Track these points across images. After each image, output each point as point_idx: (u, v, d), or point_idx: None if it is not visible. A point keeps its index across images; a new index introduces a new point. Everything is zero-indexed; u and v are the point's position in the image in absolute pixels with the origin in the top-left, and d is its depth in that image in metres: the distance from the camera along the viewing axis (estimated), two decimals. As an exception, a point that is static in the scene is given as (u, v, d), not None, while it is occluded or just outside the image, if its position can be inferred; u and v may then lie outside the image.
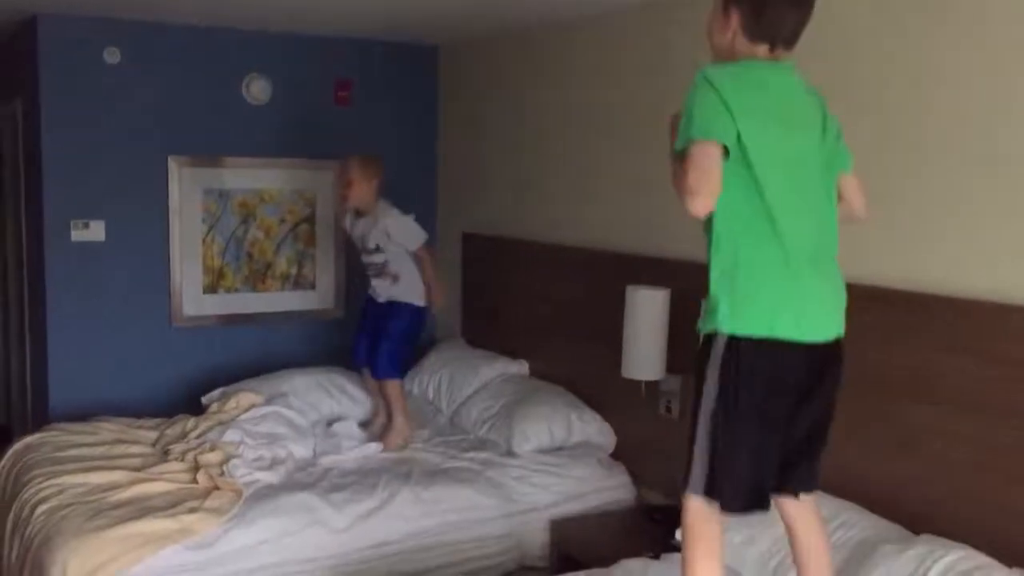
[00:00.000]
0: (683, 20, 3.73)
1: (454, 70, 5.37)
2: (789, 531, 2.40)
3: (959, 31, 2.78)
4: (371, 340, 4.25)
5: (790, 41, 2.23)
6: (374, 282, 4.27)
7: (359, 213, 4.23)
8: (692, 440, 2.23)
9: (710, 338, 2.19)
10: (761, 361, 2.14)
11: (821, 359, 2.22)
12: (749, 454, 2.18)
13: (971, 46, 2.75)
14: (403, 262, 4.18)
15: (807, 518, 2.37)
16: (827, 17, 3.16)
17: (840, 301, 2.27)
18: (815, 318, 2.18)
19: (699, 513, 2.23)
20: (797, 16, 2.21)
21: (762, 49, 2.22)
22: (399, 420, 4.15)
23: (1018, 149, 2.64)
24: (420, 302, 4.21)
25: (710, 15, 2.31)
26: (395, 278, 4.18)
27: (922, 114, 2.88)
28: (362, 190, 4.14)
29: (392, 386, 4.18)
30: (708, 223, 2.21)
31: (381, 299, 4.24)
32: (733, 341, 2.14)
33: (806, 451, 2.30)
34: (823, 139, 2.27)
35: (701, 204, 2.01)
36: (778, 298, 2.13)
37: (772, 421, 2.19)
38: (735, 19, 2.22)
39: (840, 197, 2.34)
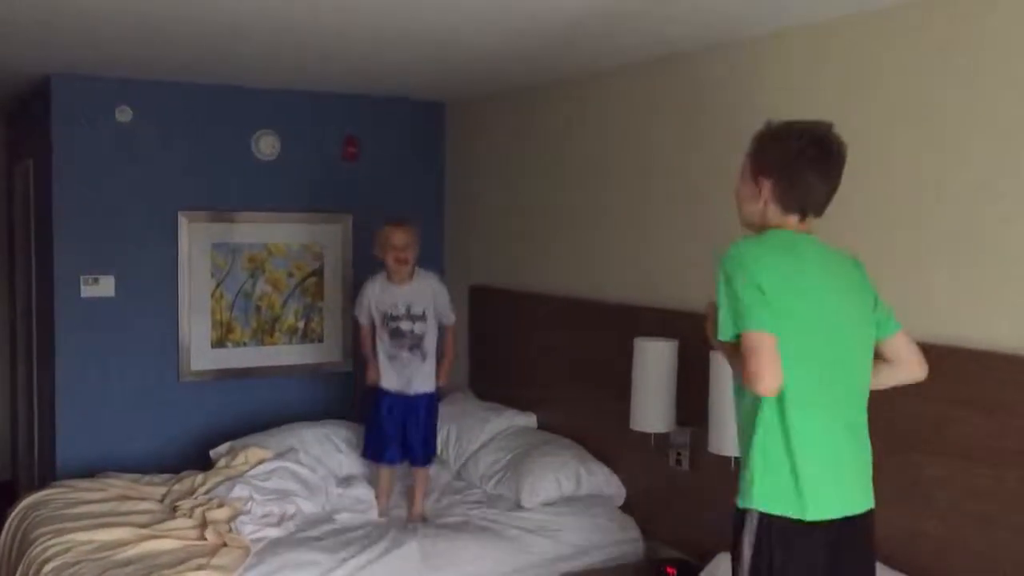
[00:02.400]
0: (685, 75, 3.78)
1: (460, 126, 5.43)
2: None
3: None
4: (402, 437, 4.10)
5: (820, 210, 2.29)
6: (405, 359, 4.05)
7: (391, 280, 4.08)
8: None
9: (743, 513, 2.24)
10: (792, 540, 2.18)
11: (852, 532, 2.25)
12: None
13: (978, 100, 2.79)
14: (433, 337, 4.10)
15: None
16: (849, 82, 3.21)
17: (867, 473, 2.31)
18: (843, 498, 2.23)
19: None
20: (828, 186, 2.26)
21: (793, 219, 2.27)
22: (425, 504, 4.11)
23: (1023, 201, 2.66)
24: (434, 387, 4.17)
25: (739, 182, 2.35)
26: (424, 355, 4.07)
27: (933, 165, 2.91)
28: (417, 254, 4.07)
29: (428, 471, 4.18)
30: (738, 399, 2.29)
31: (410, 392, 4.07)
32: (764, 519, 2.19)
33: None
34: (866, 302, 2.33)
35: (769, 388, 2.11)
36: (808, 481, 2.17)
37: None
38: (766, 189, 2.27)
39: (890, 359, 2.39)
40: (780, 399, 2.17)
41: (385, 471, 4.15)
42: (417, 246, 4.08)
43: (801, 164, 2.23)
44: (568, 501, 4.01)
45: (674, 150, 3.84)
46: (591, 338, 4.29)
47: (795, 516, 2.17)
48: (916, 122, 2.93)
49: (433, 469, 4.29)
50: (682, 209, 3.80)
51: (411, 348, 4.06)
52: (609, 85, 4.22)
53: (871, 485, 2.32)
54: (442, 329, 4.17)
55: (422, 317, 4.06)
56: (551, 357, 4.59)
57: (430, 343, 4.09)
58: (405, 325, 4.05)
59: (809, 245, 2.26)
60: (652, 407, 3.64)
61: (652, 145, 3.96)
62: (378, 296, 4.10)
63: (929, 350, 2.83)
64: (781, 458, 2.18)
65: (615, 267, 4.21)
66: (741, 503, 2.24)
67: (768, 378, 2.09)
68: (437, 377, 4.14)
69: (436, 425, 4.21)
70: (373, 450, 4.15)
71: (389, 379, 4.09)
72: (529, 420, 4.66)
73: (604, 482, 4.07)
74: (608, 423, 4.07)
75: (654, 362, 3.62)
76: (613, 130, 4.20)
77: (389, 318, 4.07)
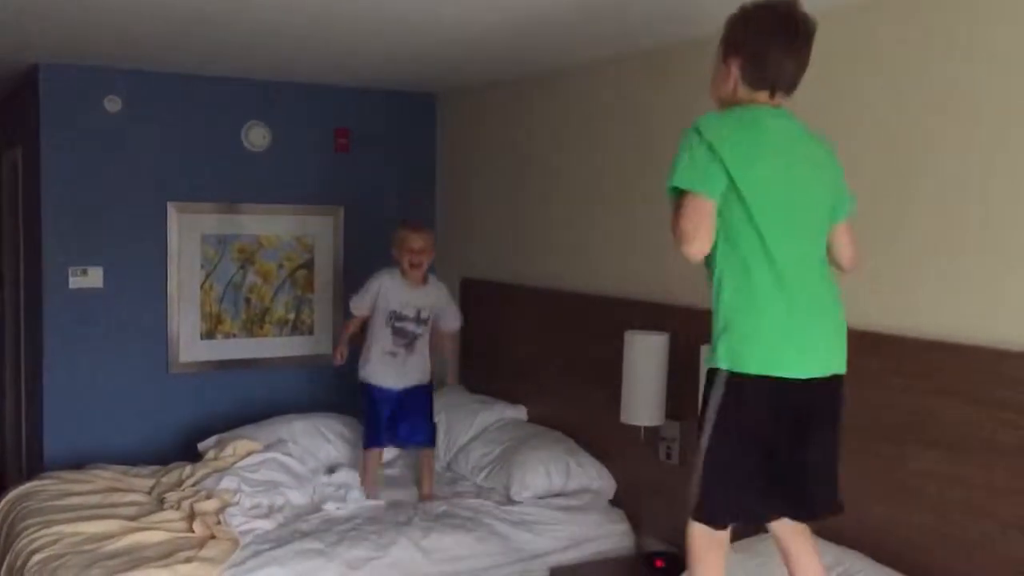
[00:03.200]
0: (677, 70, 3.78)
1: (451, 118, 5.42)
2: (784, 556, 2.44)
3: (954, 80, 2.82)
4: (395, 422, 4.15)
5: (790, 87, 2.30)
6: (400, 356, 4.10)
7: (406, 280, 4.09)
8: (692, 468, 2.31)
9: (713, 373, 2.27)
10: (757, 397, 2.21)
11: (818, 395, 2.27)
12: (739, 480, 2.25)
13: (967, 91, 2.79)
14: (427, 337, 4.19)
15: (800, 543, 2.41)
16: (826, 64, 3.21)
17: (839, 339, 2.31)
18: (811, 356, 2.24)
19: (701, 537, 2.31)
20: (795, 63, 2.27)
21: (762, 96, 2.29)
22: (433, 483, 4.18)
23: (1013, 197, 2.66)
24: (427, 379, 4.23)
25: (713, 67, 2.38)
26: (416, 351, 4.14)
27: (921, 160, 2.91)
28: (431, 259, 4.14)
29: (433, 451, 4.25)
30: (709, 262, 2.29)
31: (398, 387, 4.11)
32: (732, 378, 2.21)
33: (805, 481, 2.33)
34: (829, 178, 2.33)
35: (696, 251, 2.15)
36: (774, 338, 2.20)
37: (766, 452, 2.26)
38: (735, 69, 2.29)
39: (829, 246, 2.39)
40: (741, 262, 2.20)
41: (374, 455, 4.17)
42: (432, 252, 4.14)
43: (766, 41, 2.25)
44: (558, 494, 4.00)
45: (667, 143, 3.81)
46: (582, 331, 4.28)
47: (758, 372, 2.19)
48: (904, 115, 2.93)
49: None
50: (674, 202, 3.79)
51: (407, 347, 4.13)
52: (601, 77, 4.21)
53: (842, 350, 2.31)
54: (443, 334, 4.30)
55: (427, 321, 4.15)
56: (542, 350, 4.59)
57: (423, 342, 4.18)
58: (410, 327, 4.11)
59: (772, 117, 2.27)
60: (642, 400, 3.63)
61: (645, 138, 3.96)
62: (389, 291, 4.10)
63: (917, 344, 2.85)
64: (745, 319, 2.20)
65: (607, 260, 4.20)
66: (708, 363, 2.28)
67: (697, 241, 2.14)
68: (436, 372, 4.26)
69: (433, 408, 4.27)
70: (370, 437, 4.16)
71: (384, 375, 4.12)
72: (519, 413, 4.65)
73: (594, 475, 4.07)
74: (598, 416, 4.07)
75: (645, 356, 3.62)
76: (606, 122, 4.19)
77: (396, 316, 4.09)
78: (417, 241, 4.07)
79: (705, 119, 2.22)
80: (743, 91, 2.29)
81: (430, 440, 4.22)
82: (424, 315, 4.13)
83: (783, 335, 2.19)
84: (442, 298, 4.23)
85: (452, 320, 4.29)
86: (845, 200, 2.39)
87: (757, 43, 2.25)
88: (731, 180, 2.16)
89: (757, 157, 2.19)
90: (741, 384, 2.20)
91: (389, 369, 4.12)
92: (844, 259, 2.43)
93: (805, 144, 2.31)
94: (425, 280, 4.15)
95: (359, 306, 4.16)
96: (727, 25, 2.33)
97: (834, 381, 2.29)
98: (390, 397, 4.13)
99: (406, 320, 4.10)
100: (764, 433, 2.23)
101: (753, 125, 2.23)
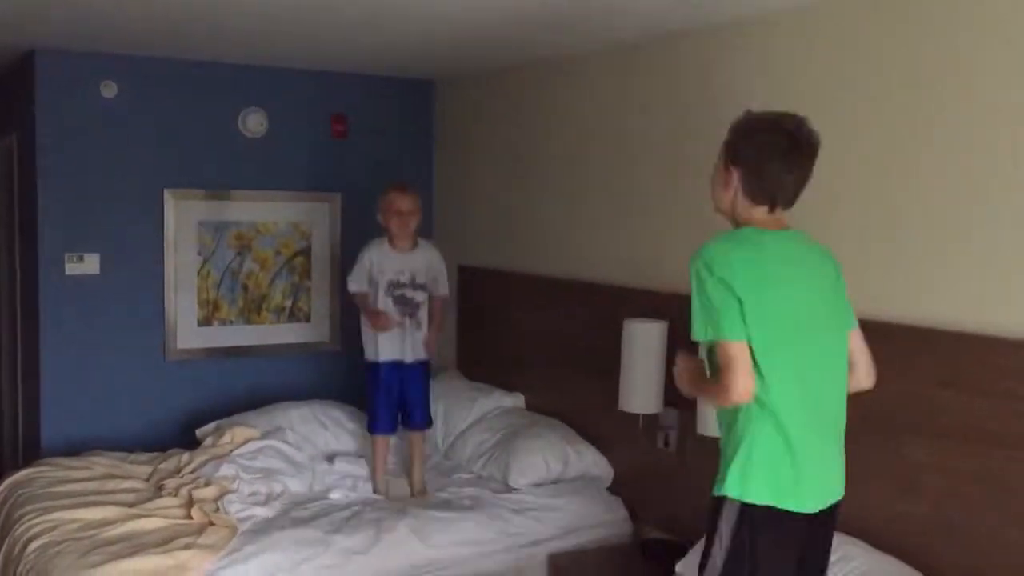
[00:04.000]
0: (673, 59, 3.76)
1: (449, 105, 5.40)
2: None
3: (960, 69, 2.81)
4: (398, 407, 4.12)
5: (789, 201, 2.31)
6: (405, 326, 4.03)
7: (395, 246, 4.06)
8: None
9: (721, 500, 2.26)
10: (768, 528, 2.22)
11: (820, 523, 2.31)
12: None
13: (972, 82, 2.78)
14: (426, 307, 4.11)
15: None
16: (835, 43, 3.20)
17: (840, 467, 2.35)
18: (817, 490, 2.27)
19: None
20: (796, 178, 2.27)
21: (761, 210, 2.29)
22: (423, 471, 4.15)
23: (1017, 185, 2.65)
24: (427, 355, 4.18)
25: (714, 170, 2.39)
26: (420, 324, 4.08)
27: (924, 147, 2.90)
28: (419, 221, 4.10)
29: (424, 435, 4.22)
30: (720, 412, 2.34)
31: (403, 359, 4.05)
32: (744, 508, 2.22)
33: None
34: (835, 295, 2.35)
35: (739, 399, 2.17)
36: (784, 473, 2.21)
37: None
38: (736, 178, 2.30)
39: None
40: (762, 392, 2.20)
41: (382, 443, 4.13)
42: (419, 213, 4.10)
43: (770, 157, 2.25)
44: (556, 482, 4.01)
45: (665, 131, 3.82)
46: (580, 319, 4.28)
47: (777, 506, 2.21)
48: (902, 108, 2.92)
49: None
50: (673, 191, 3.79)
51: (411, 316, 4.06)
52: (599, 65, 4.19)
53: (842, 476, 2.37)
54: (432, 299, 4.15)
55: (424, 286, 4.08)
56: (540, 338, 4.59)
57: (424, 312, 4.10)
58: (409, 293, 4.05)
59: (777, 242, 2.29)
60: (641, 388, 3.64)
61: (642, 126, 3.94)
62: (380, 262, 4.05)
63: (918, 332, 2.85)
64: (764, 450, 2.21)
65: (605, 248, 4.20)
66: (719, 491, 2.27)
67: (738, 391, 2.14)
68: (429, 350, 4.15)
69: (430, 390, 4.23)
70: (378, 422, 4.12)
71: (390, 348, 4.05)
72: (517, 401, 4.66)
73: (592, 463, 4.07)
74: (596, 404, 4.07)
75: (643, 343, 3.62)
76: (604, 110, 4.18)
77: (394, 285, 4.04)
78: (404, 202, 4.02)
79: (711, 249, 2.23)
80: (742, 202, 2.31)
81: (426, 422, 4.18)
82: (420, 279, 4.06)
83: (791, 470, 2.21)
84: (434, 260, 4.14)
85: (440, 287, 4.15)
86: (851, 312, 2.41)
87: (759, 157, 2.25)
88: (742, 309, 2.17)
89: (765, 287, 2.20)
90: (752, 514, 2.21)
91: (395, 339, 4.05)
92: (860, 367, 2.41)
93: (810, 263, 2.32)
94: (415, 244, 4.10)
95: (357, 281, 4.10)
96: (731, 131, 2.34)
97: (835, 507, 2.34)
98: (395, 373, 4.07)
99: (404, 287, 4.04)
100: (773, 563, 2.25)
101: (758, 252, 2.23)
